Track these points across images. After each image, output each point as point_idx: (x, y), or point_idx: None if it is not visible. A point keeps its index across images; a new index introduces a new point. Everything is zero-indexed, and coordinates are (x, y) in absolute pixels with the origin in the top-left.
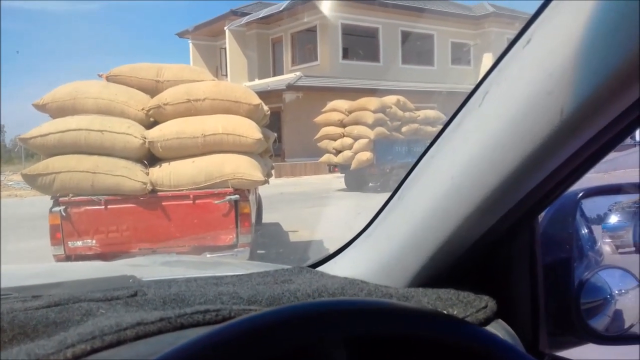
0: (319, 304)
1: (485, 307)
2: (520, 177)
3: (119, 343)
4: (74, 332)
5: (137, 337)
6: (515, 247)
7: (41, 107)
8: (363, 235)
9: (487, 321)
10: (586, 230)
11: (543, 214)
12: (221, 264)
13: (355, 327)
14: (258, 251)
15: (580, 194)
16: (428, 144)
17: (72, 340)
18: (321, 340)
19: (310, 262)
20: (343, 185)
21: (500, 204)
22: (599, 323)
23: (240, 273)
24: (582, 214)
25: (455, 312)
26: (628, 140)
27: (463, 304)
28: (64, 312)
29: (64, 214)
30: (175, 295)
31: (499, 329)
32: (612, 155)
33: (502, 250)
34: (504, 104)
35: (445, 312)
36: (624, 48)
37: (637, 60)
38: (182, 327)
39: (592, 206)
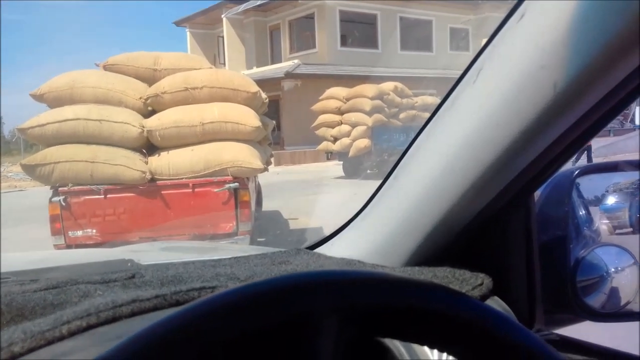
0: (307, 274)
1: (481, 284)
2: (514, 153)
3: (114, 319)
4: (70, 311)
5: (133, 314)
6: (510, 225)
7: (38, 97)
8: (360, 216)
9: (483, 298)
10: (584, 211)
11: (539, 192)
12: (220, 248)
13: (347, 296)
14: (258, 239)
15: (576, 172)
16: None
17: (67, 317)
18: (310, 311)
19: (307, 244)
20: (342, 173)
21: (495, 181)
22: (596, 300)
23: (240, 255)
24: (580, 195)
25: None
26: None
27: (459, 282)
28: (61, 294)
29: (63, 203)
30: (172, 277)
31: (495, 306)
32: (612, 139)
33: (497, 229)
34: (498, 80)
35: None
36: (614, 22)
37: (627, 35)
38: (178, 303)
39: (590, 186)
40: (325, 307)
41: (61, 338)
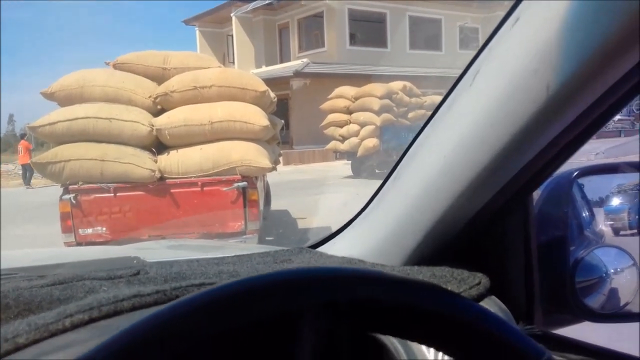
0: (302, 270)
1: (479, 283)
2: (511, 154)
3: (115, 313)
4: (74, 305)
5: (134, 308)
6: (509, 225)
7: (49, 96)
8: (361, 215)
9: (480, 297)
10: (586, 212)
11: (539, 192)
12: (225, 247)
13: (339, 292)
14: (266, 238)
15: (576, 173)
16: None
17: (70, 310)
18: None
19: (310, 242)
20: (350, 172)
21: (492, 181)
22: (595, 301)
23: (243, 253)
24: (583, 195)
25: (449, 289)
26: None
27: (457, 281)
28: (67, 290)
29: (73, 201)
30: (176, 274)
31: (492, 306)
32: (623, 140)
33: (496, 229)
34: (494, 82)
35: None
36: (607, 26)
37: (618, 39)
38: (177, 298)
39: (594, 188)
40: (318, 302)
41: (64, 330)
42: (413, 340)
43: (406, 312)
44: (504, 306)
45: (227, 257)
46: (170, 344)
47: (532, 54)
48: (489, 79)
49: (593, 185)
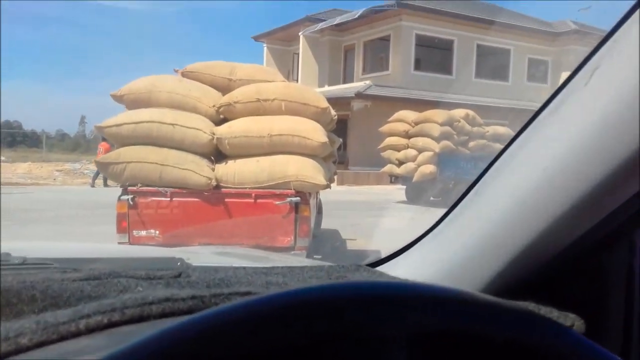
0: (368, 286)
1: (572, 326)
2: (631, 172)
3: (141, 319)
4: (95, 304)
5: (164, 314)
6: (610, 260)
7: (118, 98)
8: (430, 234)
9: None
10: None
11: None
12: (274, 258)
13: (426, 320)
14: (314, 256)
15: None
16: (514, 135)
17: (88, 310)
18: (376, 335)
19: (368, 260)
20: (404, 197)
21: (601, 204)
22: None
23: (294, 265)
24: None
25: None
26: None
27: None
28: (100, 287)
29: (131, 202)
30: (220, 280)
31: None
32: None
33: (594, 263)
34: (620, 79)
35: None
36: None
37: None
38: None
39: None
40: (400, 332)
41: (77, 334)
42: None
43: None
44: None
45: (277, 267)
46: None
47: None
48: (615, 75)
49: None
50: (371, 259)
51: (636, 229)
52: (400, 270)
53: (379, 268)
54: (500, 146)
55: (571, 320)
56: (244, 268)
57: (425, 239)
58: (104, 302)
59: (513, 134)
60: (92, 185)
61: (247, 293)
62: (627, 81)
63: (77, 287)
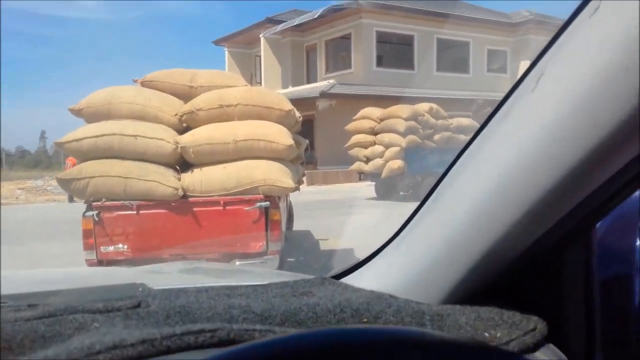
0: (329, 333)
1: (534, 329)
2: (583, 175)
3: None
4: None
5: None
6: (568, 260)
7: (77, 112)
8: (393, 243)
9: (537, 346)
10: None
11: (601, 223)
12: (241, 272)
13: None
14: (288, 259)
15: None
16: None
17: None
18: None
19: (333, 272)
20: (374, 194)
21: (556, 207)
22: None
23: (258, 283)
24: None
25: (498, 335)
26: None
27: (508, 325)
28: (55, 325)
29: (96, 218)
30: (180, 308)
31: (549, 355)
32: None
33: (552, 264)
34: (565, 85)
35: (487, 334)
36: None
37: None
38: (169, 351)
39: None
40: None
41: None
42: None
43: None
44: (563, 356)
45: (241, 286)
46: None
47: (621, 48)
48: (560, 81)
49: None
50: (336, 270)
51: (592, 226)
52: (365, 282)
53: (344, 279)
54: (465, 137)
55: (534, 323)
56: (206, 290)
57: (387, 248)
58: (50, 351)
59: (477, 125)
60: (70, 201)
61: (201, 332)
62: (572, 86)
63: (31, 328)
